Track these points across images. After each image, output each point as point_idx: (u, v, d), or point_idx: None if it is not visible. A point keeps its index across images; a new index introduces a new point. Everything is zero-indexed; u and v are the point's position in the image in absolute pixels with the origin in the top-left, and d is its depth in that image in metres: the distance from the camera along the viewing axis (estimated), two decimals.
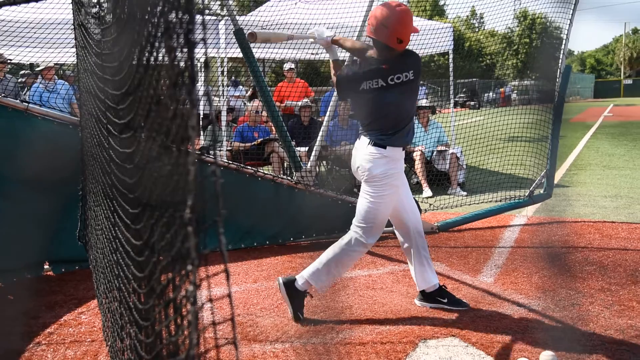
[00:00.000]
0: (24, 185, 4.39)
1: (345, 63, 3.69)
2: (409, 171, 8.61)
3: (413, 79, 3.48)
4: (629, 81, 62.75)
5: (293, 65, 9.76)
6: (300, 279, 3.61)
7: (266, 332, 3.47)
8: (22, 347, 3.36)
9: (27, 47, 5.66)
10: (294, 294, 3.60)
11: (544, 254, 5.21)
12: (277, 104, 9.55)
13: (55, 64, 7.90)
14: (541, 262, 4.83)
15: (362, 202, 3.60)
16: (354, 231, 3.62)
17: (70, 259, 4.74)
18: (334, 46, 3.79)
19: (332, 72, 3.73)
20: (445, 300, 3.75)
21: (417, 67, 3.52)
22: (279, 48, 6.40)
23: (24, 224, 4.40)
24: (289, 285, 3.61)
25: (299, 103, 8.67)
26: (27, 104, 4.70)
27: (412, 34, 3.52)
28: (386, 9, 3.46)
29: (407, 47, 3.55)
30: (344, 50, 3.94)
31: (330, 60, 3.78)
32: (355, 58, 3.80)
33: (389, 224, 3.80)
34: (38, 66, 8.07)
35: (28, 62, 8.48)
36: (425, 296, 3.80)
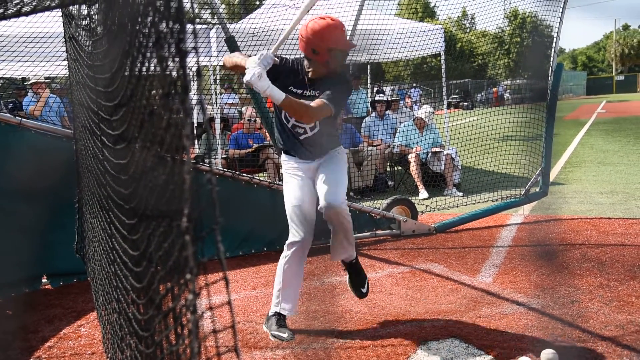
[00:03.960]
0: (19, 199, 4.38)
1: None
2: (405, 173, 8.64)
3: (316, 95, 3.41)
4: (621, 77, 63.05)
5: None
6: (270, 311, 3.55)
7: (267, 338, 3.46)
8: None
9: (17, 61, 5.66)
10: (269, 322, 3.52)
11: (539, 252, 5.22)
12: (271, 109, 9.54)
13: (45, 79, 7.89)
14: (537, 260, 4.84)
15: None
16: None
17: (68, 271, 4.72)
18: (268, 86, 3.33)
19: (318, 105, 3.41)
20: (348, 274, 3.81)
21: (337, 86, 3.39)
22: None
23: (20, 237, 4.38)
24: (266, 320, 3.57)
25: None
26: (20, 118, 4.69)
27: (347, 48, 3.43)
28: (308, 23, 3.42)
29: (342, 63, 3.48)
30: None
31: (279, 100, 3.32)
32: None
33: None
34: (28, 80, 8.07)
35: (20, 77, 8.47)
36: (345, 265, 3.80)
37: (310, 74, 3.45)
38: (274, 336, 3.43)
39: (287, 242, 3.54)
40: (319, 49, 3.37)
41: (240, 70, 3.37)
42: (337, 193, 3.47)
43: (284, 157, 3.65)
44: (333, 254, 3.71)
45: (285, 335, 3.41)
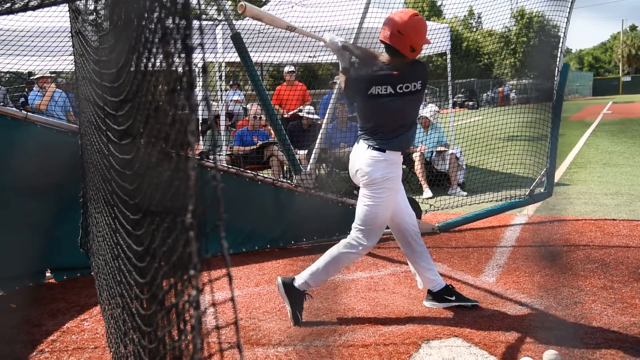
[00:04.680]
0: (24, 193, 4.39)
1: (355, 66, 3.68)
2: (409, 172, 8.63)
3: (420, 89, 3.56)
4: (628, 78, 62.80)
5: (293, 68, 9.74)
6: (299, 279, 3.65)
7: (269, 335, 3.47)
8: (25, 355, 3.36)
9: (24, 55, 5.67)
10: (292, 294, 3.62)
11: (543, 253, 5.20)
12: (276, 107, 9.57)
13: (51, 73, 7.92)
14: (541, 261, 4.82)
15: (362, 206, 3.61)
16: (354, 234, 3.63)
17: (72, 266, 4.74)
18: (345, 53, 3.77)
19: (341, 77, 3.72)
20: (454, 298, 3.75)
21: (425, 77, 3.58)
22: (277, 51, 6.41)
23: (25, 231, 4.39)
24: (288, 285, 3.65)
25: (306, 108, 8.64)
26: (26, 112, 4.71)
27: (424, 45, 3.58)
28: (403, 16, 3.49)
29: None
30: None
31: (340, 67, 3.77)
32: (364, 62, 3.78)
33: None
34: (35, 74, 8.10)
35: (26, 71, 8.50)
36: (433, 296, 3.80)
37: (393, 68, 3.53)
38: (296, 314, 3.59)
39: (358, 239, 3.62)
40: (417, 47, 3.50)
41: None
42: None
43: (388, 156, 3.54)
44: (436, 275, 3.82)
45: (299, 317, 3.60)
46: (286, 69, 9.83)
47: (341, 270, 3.83)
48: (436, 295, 3.78)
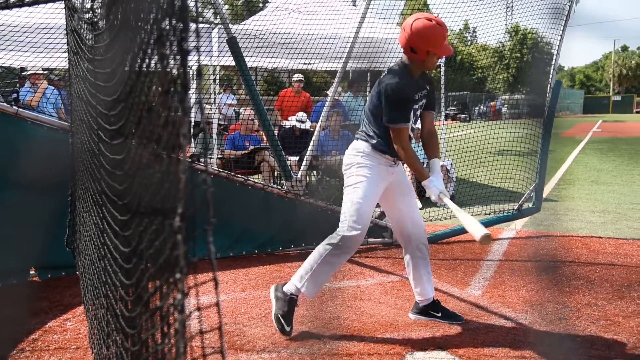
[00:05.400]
0: (10, 190, 4.35)
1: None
2: None
3: (423, 95, 3.68)
4: (618, 98, 63.46)
5: (302, 77, 9.80)
6: (289, 284, 3.59)
7: (253, 341, 3.46)
8: (5, 354, 3.32)
9: (17, 51, 5.64)
10: (281, 297, 3.56)
11: (537, 266, 5.22)
12: (277, 111, 9.59)
13: (44, 70, 7.87)
14: (532, 273, 4.84)
15: (343, 197, 3.61)
16: (338, 228, 3.58)
17: (57, 265, 4.70)
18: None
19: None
20: (439, 315, 3.75)
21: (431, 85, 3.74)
22: (272, 56, 6.41)
23: (10, 229, 4.35)
24: (278, 289, 3.62)
25: (297, 116, 8.65)
26: (16, 108, 4.67)
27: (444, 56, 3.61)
28: (419, 16, 3.54)
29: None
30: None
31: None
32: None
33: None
34: (27, 70, 8.04)
35: (19, 67, 8.44)
36: (419, 309, 3.80)
37: (412, 73, 3.59)
38: (277, 320, 3.49)
39: (341, 233, 3.51)
40: (418, 50, 3.46)
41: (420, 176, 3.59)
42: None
43: (371, 151, 3.57)
44: (429, 289, 3.77)
45: (288, 329, 3.49)
46: (295, 77, 9.89)
47: (329, 273, 3.65)
48: (422, 309, 3.78)
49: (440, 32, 3.45)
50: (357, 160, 3.59)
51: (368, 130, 3.61)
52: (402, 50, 3.59)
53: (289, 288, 3.58)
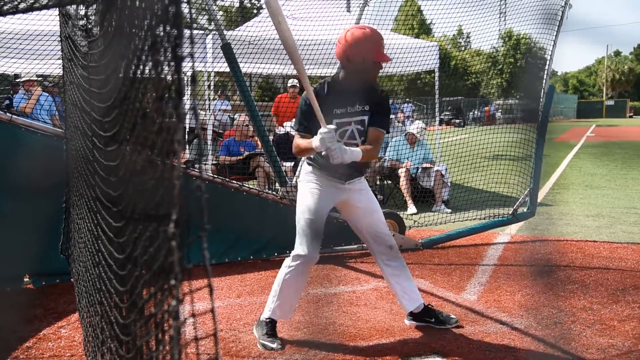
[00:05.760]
0: (5, 197, 4.34)
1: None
2: (394, 188, 8.66)
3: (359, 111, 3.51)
4: (611, 102, 63.75)
5: (297, 83, 9.82)
6: (264, 312, 3.57)
7: (249, 347, 3.45)
8: None
9: (11, 58, 5.63)
10: (260, 324, 3.55)
11: (532, 271, 5.23)
12: (273, 117, 9.59)
13: (38, 76, 7.85)
14: (528, 277, 4.85)
15: None
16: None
17: (51, 272, 4.67)
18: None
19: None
20: (433, 320, 3.74)
21: (371, 101, 3.50)
22: (266, 62, 6.42)
23: (4, 236, 4.33)
24: (257, 322, 3.62)
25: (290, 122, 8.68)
26: (10, 115, 4.66)
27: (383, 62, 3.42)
28: (349, 28, 3.47)
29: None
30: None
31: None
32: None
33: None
34: (21, 77, 8.03)
35: (12, 73, 8.42)
36: (413, 315, 3.78)
37: (344, 83, 3.46)
38: (262, 344, 3.42)
39: (293, 253, 3.51)
40: (354, 58, 3.37)
41: (308, 153, 3.45)
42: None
43: (310, 169, 3.56)
44: (415, 297, 3.72)
45: (273, 345, 3.41)
46: (290, 82, 9.90)
47: (296, 292, 3.58)
48: (416, 316, 3.78)
49: (376, 38, 3.38)
50: (301, 177, 3.63)
51: None
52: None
53: (264, 315, 3.56)
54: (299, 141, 3.48)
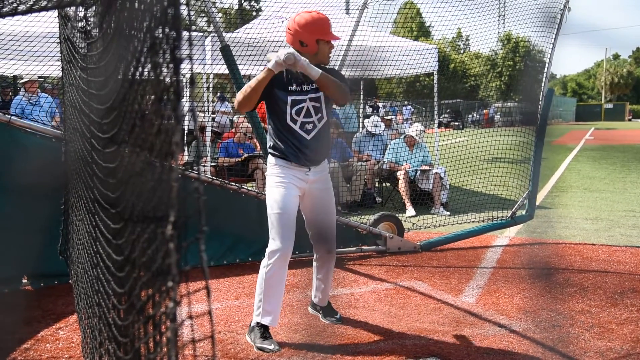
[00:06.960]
0: (3, 198, 4.33)
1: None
2: (393, 190, 8.66)
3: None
4: (610, 105, 63.85)
5: None
6: (253, 317, 3.56)
7: (247, 349, 3.44)
8: None
9: (11, 59, 5.63)
10: (252, 330, 3.54)
11: (530, 273, 5.23)
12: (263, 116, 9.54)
13: (39, 77, 7.85)
14: (526, 280, 4.85)
15: None
16: None
17: (49, 273, 4.67)
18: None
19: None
20: (321, 313, 3.96)
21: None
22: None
23: (2, 237, 4.33)
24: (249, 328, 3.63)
25: None
26: (9, 116, 4.66)
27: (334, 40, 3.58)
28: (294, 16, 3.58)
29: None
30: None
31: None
32: None
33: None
34: (21, 78, 8.03)
35: (12, 75, 8.42)
36: (314, 307, 4.00)
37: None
38: (259, 348, 3.41)
39: (267, 250, 3.52)
40: (307, 41, 3.51)
41: (258, 87, 3.44)
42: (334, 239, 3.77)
43: (275, 160, 3.60)
44: (324, 297, 3.90)
45: (270, 347, 3.40)
46: None
47: (277, 293, 3.53)
48: (314, 306, 3.98)
49: (324, 20, 3.55)
50: (267, 171, 3.67)
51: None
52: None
53: (254, 320, 3.54)
54: (242, 91, 3.53)
